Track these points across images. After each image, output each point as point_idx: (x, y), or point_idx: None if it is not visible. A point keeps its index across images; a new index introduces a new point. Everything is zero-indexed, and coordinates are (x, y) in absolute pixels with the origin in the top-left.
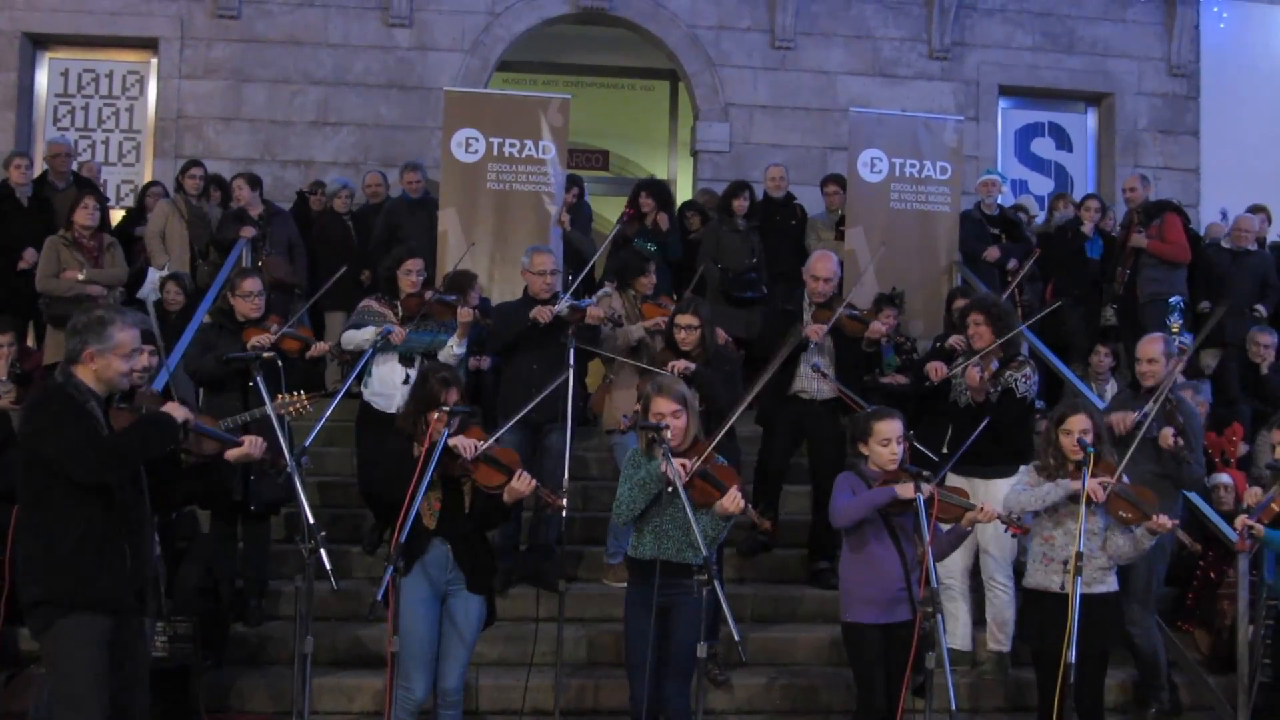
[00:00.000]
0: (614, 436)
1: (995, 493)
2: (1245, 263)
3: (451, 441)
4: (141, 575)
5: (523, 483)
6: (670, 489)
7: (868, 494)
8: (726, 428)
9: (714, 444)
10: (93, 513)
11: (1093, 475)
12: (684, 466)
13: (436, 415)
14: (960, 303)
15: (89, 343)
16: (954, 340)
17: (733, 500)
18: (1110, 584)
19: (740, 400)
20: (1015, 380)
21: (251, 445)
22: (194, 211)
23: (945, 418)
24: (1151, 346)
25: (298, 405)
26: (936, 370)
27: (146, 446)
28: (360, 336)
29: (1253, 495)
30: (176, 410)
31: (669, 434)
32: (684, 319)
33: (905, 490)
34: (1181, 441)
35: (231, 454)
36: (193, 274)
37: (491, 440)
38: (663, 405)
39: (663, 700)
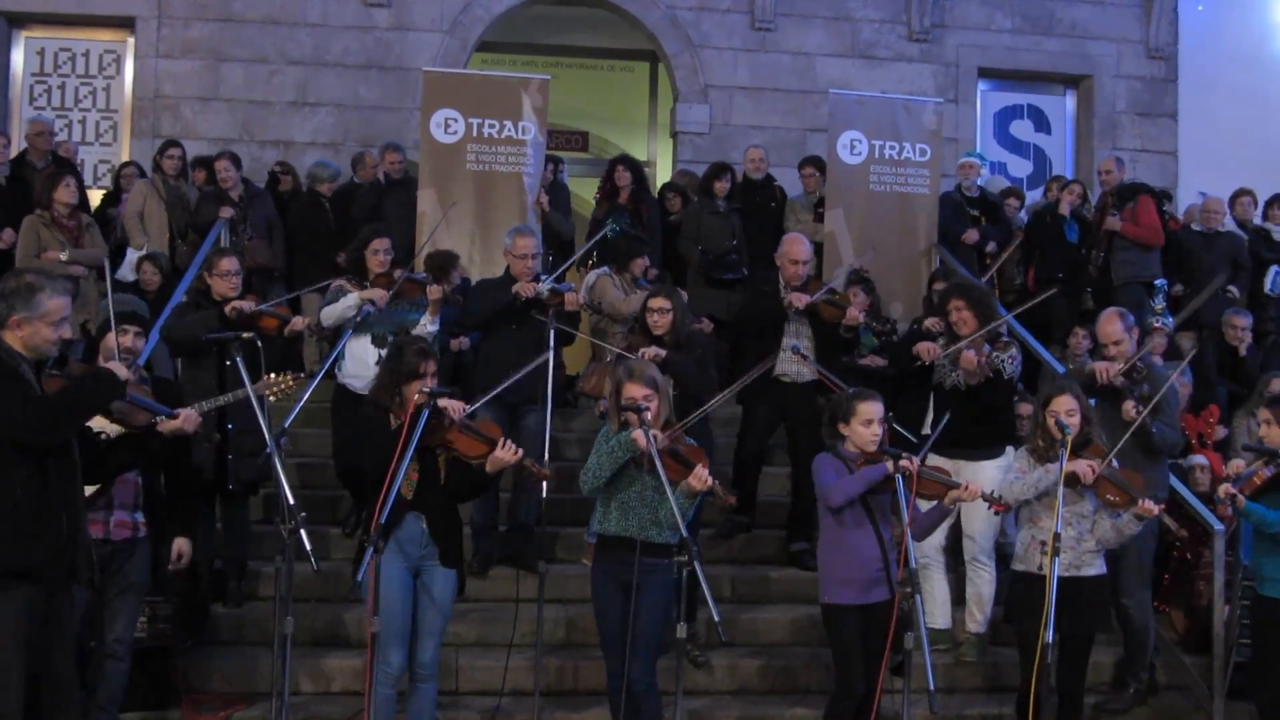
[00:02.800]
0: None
1: (981, 475)
2: (1216, 244)
3: (442, 402)
4: (75, 545)
5: (508, 451)
6: (640, 457)
7: (864, 471)
8: (701, 414)
9: (684, 424)
10: (27, 480)
11: (1081, 458)
12: (655, 438)
13: (418, 395)
14: (939, 285)
15: (15, 309)
16: (931, 322)
17: (699, 477)
18: (1099, 567)
19: (718, 392)
20: (1003, 361)
21: (185, 420)
22: (172, 192)
23: (925, 399)
24: (1111, 327)
25: (283, 385)
26: (929, 350)
27: (87, 403)
28: (341, 307)
29: (1234, 467)
30: (119, 369)
31: (649, 414)
32: (656, 303)
33: (901, 465)
34: (1141, 408)
35: (165, 426)
36: (171, 255)
37: (472, 408)
38: (634, 390)
39: (629, 676)
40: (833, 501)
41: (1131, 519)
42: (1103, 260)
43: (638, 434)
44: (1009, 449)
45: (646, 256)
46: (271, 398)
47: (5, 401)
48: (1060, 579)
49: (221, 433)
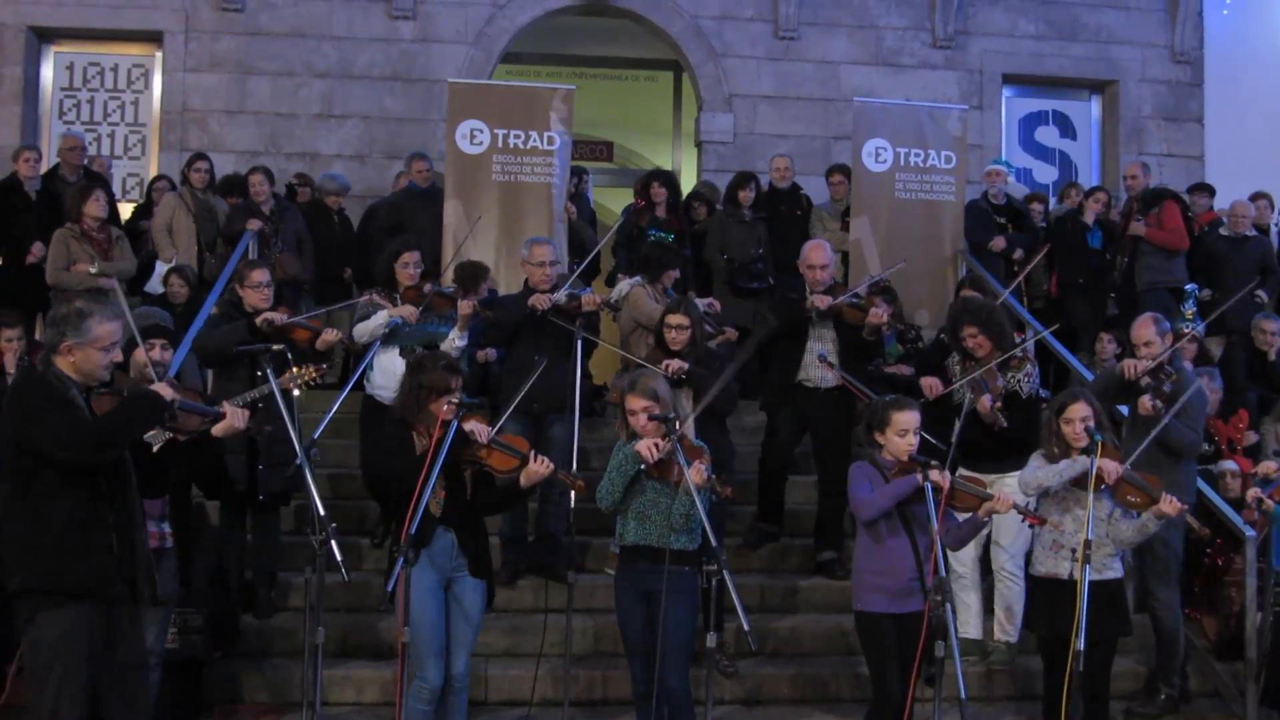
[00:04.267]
0: None
1: (1008, 488)
2: (1243, 248)
3: (468, 426)
4: (132, 562)
5: (540, 465)
6: (649, 468)
7: (893, 485)
8: (702, 405)
9: (688, 418)
10: (77, 499)
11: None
12: (656, 446)
13: (446, 407)
14: (967, 293)
15: (66, 335)
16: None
17: (696, 472)
18: (1116, 570)
19: (738, 404)
20: (1019, 382)
21: (234, 416)
22: (200, 205)
23: (948, 416)
24: (1145, 329)
25: (307, 376)
26: (931, 388)
27: (133, 425)
28: (372, 324)
29: (1265, 469)
30: (164, 390)
31: (679, 424)
32: (674, 319)
33: (931, 476)
34: (1160, 404)
35: (218, 429)
36: (199, 268)
37: (499, 425)
38: (635, 403)
39: (663, 688)
40: (864, 516)
41: (1151, 518)
42: (1127, 265)
43: (640, 446)
44: (1032, 456)
45: (678, 270)
46: (297, 390)
47: (55, 424)
48: (1078, 583)
49: (252, 444)
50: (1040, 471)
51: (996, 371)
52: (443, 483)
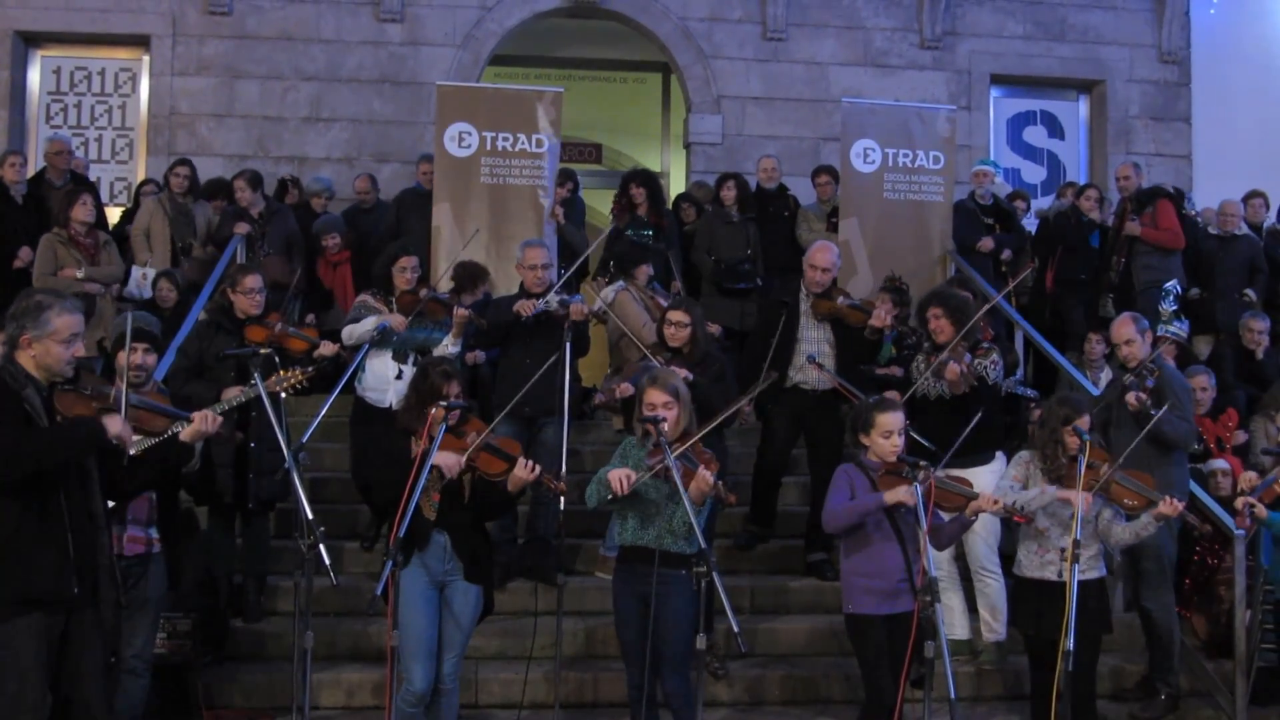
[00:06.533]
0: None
1: (976, 481)
2: (1233, 248)
3: (437, 460)
4: (92, 566)
5: (526, 470)
6: (657, 470)
7: (858, 502)
8: (713, 426)
9: (698, 437)
10: (28, 502)
11: (1087, 465)
12: (628, 479)
13: (434, 410)
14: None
15: (26, 328)
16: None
17: (702, 479)
18: (1100, 570)
19: (727, 407)
20: (985, 368)
21: (202, 420)
22: (177, 209)
23: (945, 409)
24: (1124, 328)
25: (294, 380)
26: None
27: (62, 452)
28: (361, 329)
29: (1247, 480)
30: (113, 424)
31: (666, 425)
32: (675, 315)
33: (893, 496)
34: (1146, 398)
35: (186, 434)
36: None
37: (489, 430)
38: (656, 396)
39: (664, 690)
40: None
41: (1150, 520)
42: (1123, 265)
43: (613, 476)
44: (999, 454)
45: (650, 265)
46: (284, 393)
47: None
48: (1062, 584)
49: (241, 453)
50: (1023, 495)
51: (963, 351)
52: (438, 486)
